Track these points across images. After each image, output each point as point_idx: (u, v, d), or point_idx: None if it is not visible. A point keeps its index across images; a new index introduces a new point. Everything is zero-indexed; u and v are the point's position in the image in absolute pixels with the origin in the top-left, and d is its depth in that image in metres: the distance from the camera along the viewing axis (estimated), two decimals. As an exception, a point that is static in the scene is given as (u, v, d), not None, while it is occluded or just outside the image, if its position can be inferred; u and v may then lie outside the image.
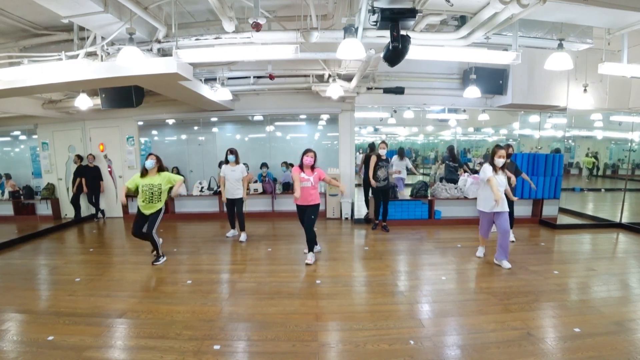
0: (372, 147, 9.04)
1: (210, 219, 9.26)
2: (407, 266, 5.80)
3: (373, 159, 7.42)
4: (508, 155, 6.43)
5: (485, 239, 5.84)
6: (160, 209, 5.74)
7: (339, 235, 7.71)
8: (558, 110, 8.31)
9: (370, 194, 8.09)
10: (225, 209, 7.48)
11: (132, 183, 5.63)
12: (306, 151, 5.60)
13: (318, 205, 5.73)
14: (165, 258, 5.91)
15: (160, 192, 5.62)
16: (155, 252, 5.88)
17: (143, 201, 5.61)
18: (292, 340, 3.52)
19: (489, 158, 5.58)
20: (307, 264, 5.59)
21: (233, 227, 7.38)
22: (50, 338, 3.58)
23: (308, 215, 5.66)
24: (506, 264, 5.39)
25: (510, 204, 6.68)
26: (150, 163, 5.61)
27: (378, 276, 5.26)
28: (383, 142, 7.50)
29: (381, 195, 7.61)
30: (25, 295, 4.70)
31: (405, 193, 8.84)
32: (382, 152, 7.41)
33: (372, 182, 7.34)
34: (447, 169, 9.06)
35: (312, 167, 5.62)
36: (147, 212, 5.67)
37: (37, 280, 5.38)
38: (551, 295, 4.47)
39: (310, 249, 5.76)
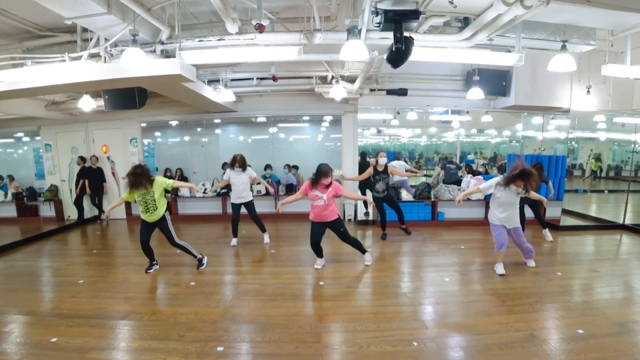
0: (363, 156, 9.05)
1: (213, 220, 9.24)
2: (411, 267, 5.79)
3: (369, 171, 6.90)
4: (538, 169, 6.03)
5: (504, 252, 5.19)
6: (164, 217, 5.44)
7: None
8: (561, 112, 8.30)
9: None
10: (231, 211, 6.98)
11: (126, 196, 5.30)
12: (324, 172, 5.13)
13: (338, 219, 5.41)
14: (205, 257, 5.77)
15: (154, 200, 5.26)
16: (196, 259, 5.67)
17: (142, 211, 5.35)
18: (295, 341, 3.51)
19: (505, 177, 4.93)
20: (366, 265, 5.60)
21: (236, 234, 6.95)
22: (54, 340, 3.59)
23: (336, 230, 5.43)
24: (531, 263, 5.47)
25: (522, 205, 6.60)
26: None
27: (381, 277, 5.26)
28: (382, 151, 6.93)
29: (383, 202, 7.06)
30: (29, 297, 4.70)
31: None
32: (382, 160, 6.80)
33: (368, 197, 6.82)
34: (447, 173, 9.00)
35: (328, 185, 5.23)
36: (149, 220, 5.40)
37: (40, 282, 5.38)
38: (554, 296, 4.46)
39: (364, 251, 5.66)
